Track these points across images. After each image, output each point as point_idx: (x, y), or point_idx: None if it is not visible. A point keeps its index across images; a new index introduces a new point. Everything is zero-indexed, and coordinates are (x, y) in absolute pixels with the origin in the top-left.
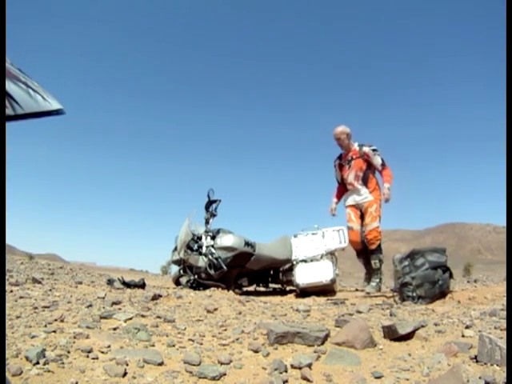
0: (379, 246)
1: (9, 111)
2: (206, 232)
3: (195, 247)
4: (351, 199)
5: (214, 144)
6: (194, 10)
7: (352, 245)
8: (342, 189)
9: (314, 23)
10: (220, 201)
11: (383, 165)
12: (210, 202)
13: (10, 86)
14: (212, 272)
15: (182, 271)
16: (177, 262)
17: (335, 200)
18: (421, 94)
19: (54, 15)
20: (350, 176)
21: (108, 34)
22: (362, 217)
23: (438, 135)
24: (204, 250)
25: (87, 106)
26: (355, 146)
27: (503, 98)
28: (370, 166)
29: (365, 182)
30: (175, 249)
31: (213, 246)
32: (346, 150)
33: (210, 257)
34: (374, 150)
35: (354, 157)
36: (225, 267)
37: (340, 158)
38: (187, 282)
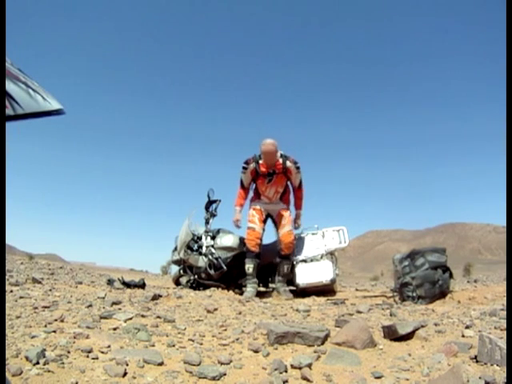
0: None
1: (9, 111)
2: (206, 232)
3: (195, 247)
4: (262, 206)
5: (213, 144)
6: (193, 11)
7: (250, 244)
8: (246, 194)
9: (312, 22)
10: (220, 201)
11: (300, 185)
12: (210, 202)
13: (10, 86)
14: (212, 272)
15: (181, 271)
16: (177, 262)
17: (239, 208)
18: (421, 94)
19: (53, 15)
20: (270, 191)
21: (108, 35)
22: (265, 222)
23: (438, 135)
24: (204, 250)
25: (87, 106)
26: (278, 157)
27: (503, 98)
28: (289, 180)
29: (281, 197)
30: (175, 249)
31: (213, 246)
32: (267, 164)
33: (210, 257)
34: (297, 168)
35: (277, 171)
36: (225, 267)
37: (257, 163)
38: (187, 282)
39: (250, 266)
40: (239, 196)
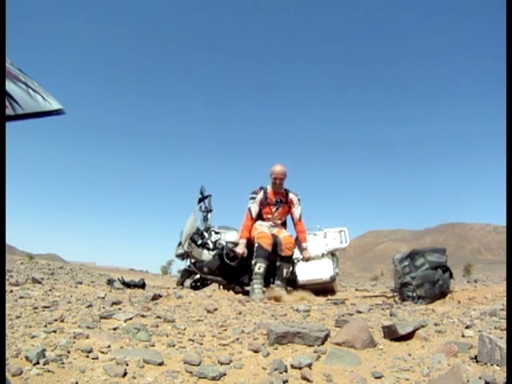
0: (292, 255)
1: (9, 111)
2: (208, 228)
3: (199, 241)
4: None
5: (213, 144)
6: (192, 10)
7: (263, 242)
8: (251, 226)
9: (311, 22)
10: (211, 195)
11: (300, 217)
12: (202, 199)
13: (10, 86)
14: (230, 262)
15: (185, 267)
16: (180, 256)
17: (244, 241)
18: (421, 94)
19: (53, 15)
20: (275, 219)
21: (108, 34)
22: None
23: (438, 135)
24: (211, 245)
25: (87, 105)
26: (283, 186)
27: (503, 97)
28: (290, 212)
29: (282, 225)
30: (180, 243)
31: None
32: (277, 191)
33: (225, 249)
34: (298, 200)
35: (283, 200)
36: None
37: (266, 193)
38: (191, 283)
39: (261, 266)
40: (245, 228)
